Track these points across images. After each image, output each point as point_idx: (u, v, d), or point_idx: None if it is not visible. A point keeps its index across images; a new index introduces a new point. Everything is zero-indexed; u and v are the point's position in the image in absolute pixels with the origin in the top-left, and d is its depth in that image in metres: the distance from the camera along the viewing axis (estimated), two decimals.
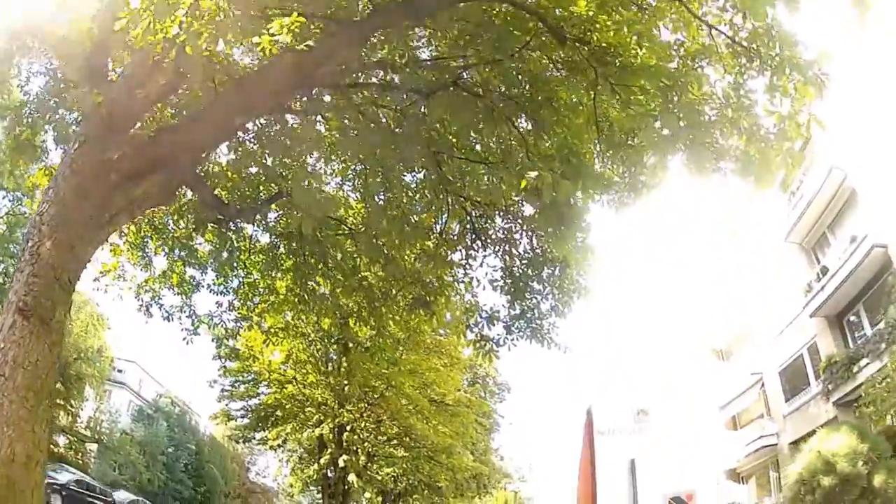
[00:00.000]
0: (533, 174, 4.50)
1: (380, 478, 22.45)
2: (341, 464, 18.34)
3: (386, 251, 8.88)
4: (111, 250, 10.88)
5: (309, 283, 9.86)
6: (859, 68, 15.30)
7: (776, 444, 19.08)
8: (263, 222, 10.46)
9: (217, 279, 10.89)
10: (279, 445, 23.13)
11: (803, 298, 17.62)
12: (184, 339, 10.77)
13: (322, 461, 18.67)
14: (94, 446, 31.77)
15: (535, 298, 8.34)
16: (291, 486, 30.28)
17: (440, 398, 18.96)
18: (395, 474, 23.28)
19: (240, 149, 9.28)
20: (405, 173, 8.45)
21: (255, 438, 22.50)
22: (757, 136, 5.46)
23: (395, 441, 20.32)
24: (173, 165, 6.20)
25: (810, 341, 17.87)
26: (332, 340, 10.05)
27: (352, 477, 18.31)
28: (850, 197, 16.79)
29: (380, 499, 29.41)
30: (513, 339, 8.44)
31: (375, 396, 18.24)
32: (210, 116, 6.00)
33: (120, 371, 37.45)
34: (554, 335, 8.22)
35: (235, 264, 10.86)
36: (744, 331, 22.52)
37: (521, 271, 8.08)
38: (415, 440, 19.31)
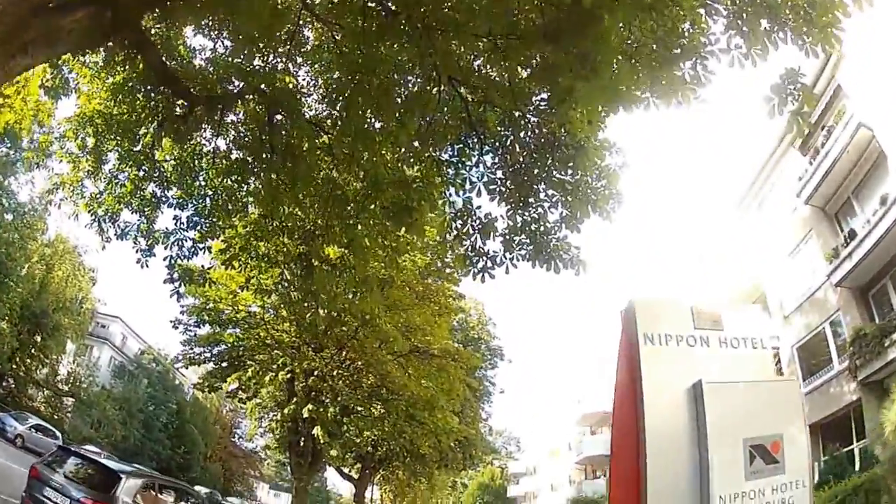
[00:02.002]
0: None
1: (358, 440, 20.74)
2: (305, 414, 16.28)
3: (364, 148, 7.48)
4: (70, 162, 9.78)
5: (275, 200, 8.60)
6: (891, 21, 13.79)
7: None
8: (231, 133, 9.27)
9: (179, 192, 9.63)
10: (248, 398, 21.50)
11: (826, 267, 16.18)
12: (138, 261, 9.43)
13: (286, 411, 16.90)
14: (71, 401, 30.66)
15: (542, 207, 6.90)
16: (268, 447, 28.83)
17: (425, 346, 16.93)
18: (373, 438, 21.28)
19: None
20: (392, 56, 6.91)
21: (220, 388, 20.80)
22: None
23: (372, 395, 18.18)
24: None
25: (833, 314, 16.43)
26: (295, 258, 8.60)
27: (317, 430, 16.28)
28: (878, 158, 15.31)
29: (358, 465, 28.04)
30: (512, 258, 7.00)
31: (348, 333, 15.91)
32: None
33: (103, 326, 36.22)
34: (563, 253, 6.76)
35: (199, 176, 9.72)
36: (754, 301, 21.11)
37: (524, 166, 6.63)
38: (392, 391, 17.06)
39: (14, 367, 26.90)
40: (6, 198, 25.28)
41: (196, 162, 9.58)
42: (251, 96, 8.43)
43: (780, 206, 19.61)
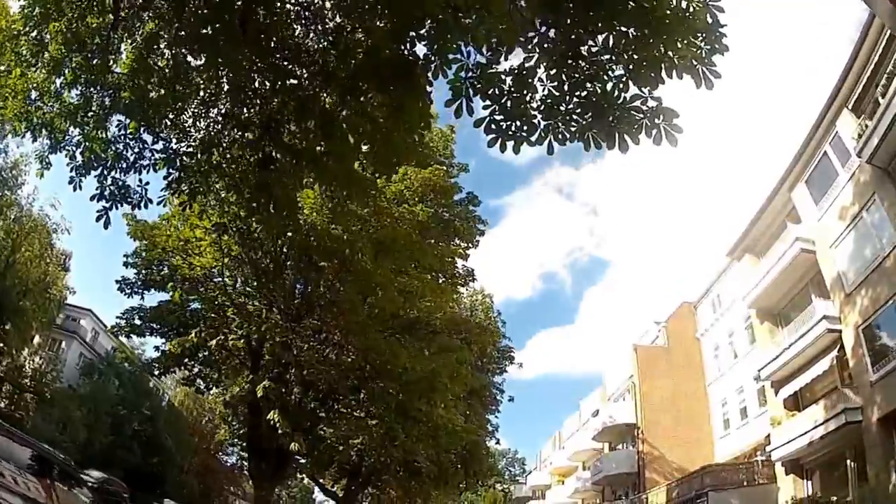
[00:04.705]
0: None
1: (342, 448, 17.02)
2: (260, 392, 12.60)
3: None
4: (18, 65, 7.90)
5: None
6: None
7: (860, 422, 15.15)
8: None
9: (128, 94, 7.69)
10: (207, 387, 18.28)
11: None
12: (71, 181, 7.60)
13: (236, 390, 13.53)
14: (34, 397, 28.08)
15: (596, 63, 4.88)
16: (225, 441, 25.01)
17: (425, 317, 13.56)
18: (360, 446, 17.45)
19: None
20: None
21: (174, 371, 17.22)
22: None
23: (353, 379, 14.48)
24: None
25: None
26: (248, 149, 6.49)
27: (273, 414, 12.62)
28: None
29: (344, 481, 24.97)
30: (557, 132, 4.95)
31: (321, 286, 12.48)
32: None
33: (73, 319, 33.66)
34: (633, 115, 4.69)
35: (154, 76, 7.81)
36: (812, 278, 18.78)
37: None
38: (378, 371, 13.17)
39: None
40: None
41: (152, 59, 7.72)
42: None
43: (835, 173, 17.60)
